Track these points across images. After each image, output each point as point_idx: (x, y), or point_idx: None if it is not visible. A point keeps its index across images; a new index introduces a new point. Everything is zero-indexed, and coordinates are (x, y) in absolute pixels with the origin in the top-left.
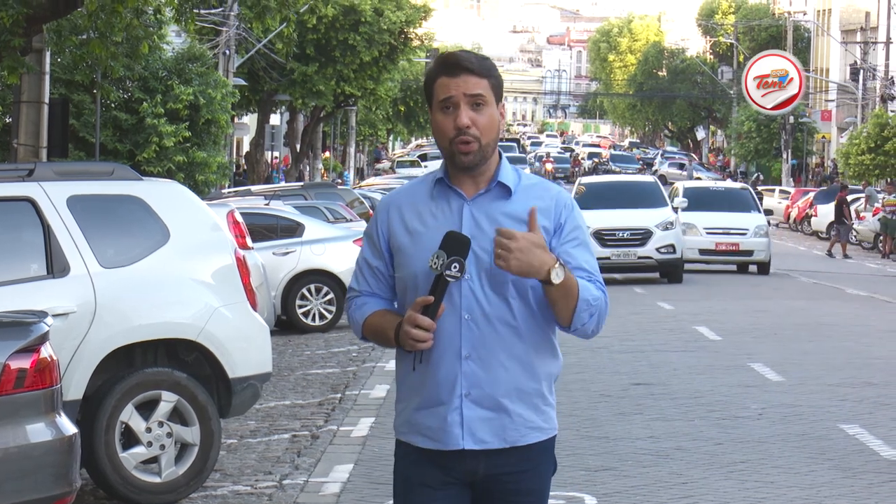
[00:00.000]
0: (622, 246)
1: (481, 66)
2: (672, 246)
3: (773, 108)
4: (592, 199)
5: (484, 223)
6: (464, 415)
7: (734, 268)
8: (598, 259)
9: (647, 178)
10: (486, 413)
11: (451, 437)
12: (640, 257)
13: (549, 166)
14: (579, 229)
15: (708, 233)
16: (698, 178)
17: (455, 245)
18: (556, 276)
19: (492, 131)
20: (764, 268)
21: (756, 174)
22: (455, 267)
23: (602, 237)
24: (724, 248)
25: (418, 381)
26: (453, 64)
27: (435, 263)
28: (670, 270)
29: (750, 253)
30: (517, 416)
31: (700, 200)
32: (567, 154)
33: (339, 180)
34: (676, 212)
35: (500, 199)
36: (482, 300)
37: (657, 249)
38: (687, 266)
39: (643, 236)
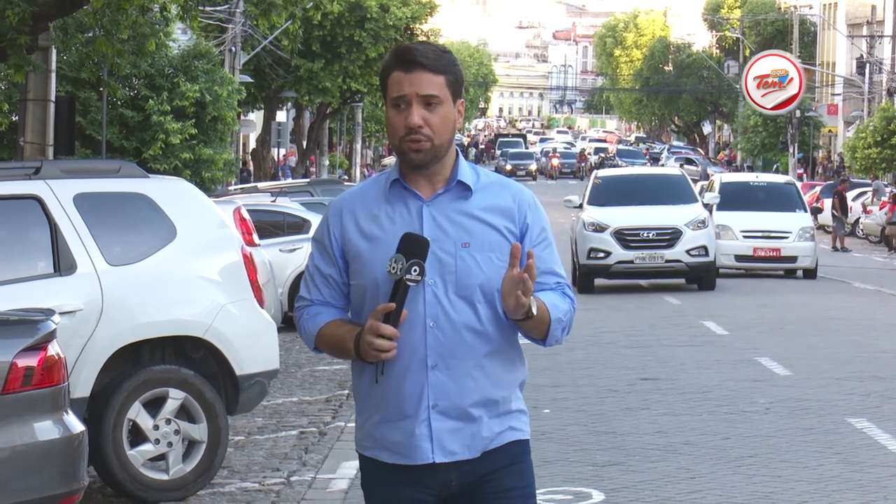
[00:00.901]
0: (647, 248)
1: (438, 63)
2: (704, 248)
3: (773, 109)
4: (610, 194)
5: (445, 224)
6: (432, 427)
7: (781, 273)
8: (621, 263)
9: (674, 170)
10: (454, 424)
11: (420, 452)
12: (668, 261)
13: (555, 161)
14: (546, 230)
15: (745, 236)
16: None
17: (413, 247)
18: (533, 312)
19: (446, 131)
20: (810, 274)
21: (774, 166)
22: (415, 270)
23: (624, 238)
24: (763, 255)
25: (380, 394)
26: (408, 59)
27: (393, 268)
28: (702, 275)
29: (793, 259)
30: (486, 426)
31: (738, 197)
32: (573, 149)
33: (346, 177)
34: (710, 210)
35: (459, 199)
36: (447, 306)
37: (687, 252)
38: (722, 272)
39: (671, 237)
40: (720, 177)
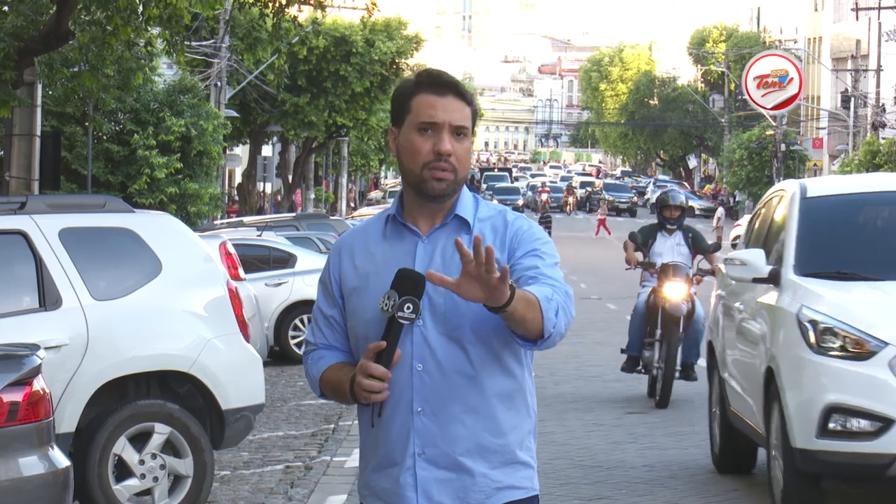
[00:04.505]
0: None
1: (467, 92)
2: None
3: (774, 108)
4: (857, 243)
5: (437, 261)
6: (418, 476)
7: None
8: None
9: None
10: (443, 474)
11: (405, 501)
12: None
13: (545, 196)
14: (538, 241)
15: None
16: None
17: (407, 284)
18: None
19: (467, 165)
20: None
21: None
22: (408, 308)
23: None
24: None
25: (374, 440)
26: (442, 83)
27: (386, 305)
28: None
29: None
30: (481, 477)
31: None
32: (560, 183)
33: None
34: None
35: (457, 234)
36: (436, 348)
37: None
38: None
39: None
40: None
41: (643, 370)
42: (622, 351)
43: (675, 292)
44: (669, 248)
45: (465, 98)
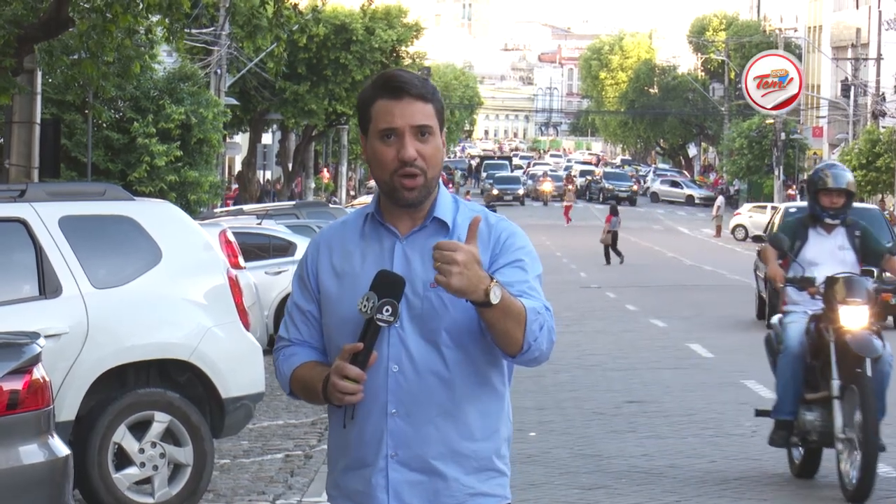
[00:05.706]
0: None
1: (426, 90)
2: None
3: (774, 108)
4: None
5: (416, 263)
6: (389, 477)
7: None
8: None
9: None
10: (415, 476)
11: (376, 503)
12: None
13: (547, 186)
14: (522, 251)
15: None
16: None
17: (387, 286)
18: (494, 296)
19: (438, 163)
20: None
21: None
22: (387, 310)
23: None
24: None
25: (345, 440)
26: (396, 87)
27: (364, 306)
28: None
29: None
30: (453, 481)
31: None
32: (562, 172)
33: (335, 198)
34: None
35: (436, 236)
36: (412, 350)
37: None
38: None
39: None
40: None
41: (800, 441)
42: (761, 413)
43: (856, 319)
44: (829, 252)
45: (425, 96)
